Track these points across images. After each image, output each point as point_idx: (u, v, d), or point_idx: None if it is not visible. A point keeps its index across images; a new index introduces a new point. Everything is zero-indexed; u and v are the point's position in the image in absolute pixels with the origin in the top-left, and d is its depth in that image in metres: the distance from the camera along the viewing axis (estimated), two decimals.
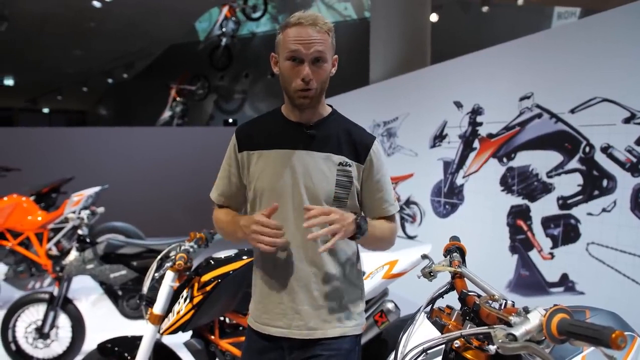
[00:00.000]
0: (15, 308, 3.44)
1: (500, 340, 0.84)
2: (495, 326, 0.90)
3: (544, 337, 0.83)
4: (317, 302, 1.55)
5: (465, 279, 1.22)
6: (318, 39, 1.43)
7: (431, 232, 4.50)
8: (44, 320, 3.37)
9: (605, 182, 2.83)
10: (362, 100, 5.87)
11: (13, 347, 3.46)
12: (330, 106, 1.65)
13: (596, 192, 2.89)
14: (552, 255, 3.17)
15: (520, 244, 3.41)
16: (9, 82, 15.85)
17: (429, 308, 1.21)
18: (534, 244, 3.30)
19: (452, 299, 1.26)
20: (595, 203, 2.89)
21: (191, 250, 2.28)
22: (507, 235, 3.52)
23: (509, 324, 0.89)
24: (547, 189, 3.21)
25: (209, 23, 13.46)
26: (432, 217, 4.46)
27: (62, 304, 3.39)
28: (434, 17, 9.22)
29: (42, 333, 3.38)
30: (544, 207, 3.23)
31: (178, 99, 12.19)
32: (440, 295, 1.23)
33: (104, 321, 4.05)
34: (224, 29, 11.65)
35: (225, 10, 11.46)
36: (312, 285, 1.55)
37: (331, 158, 1.55)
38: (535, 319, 0.84)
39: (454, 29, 10.38)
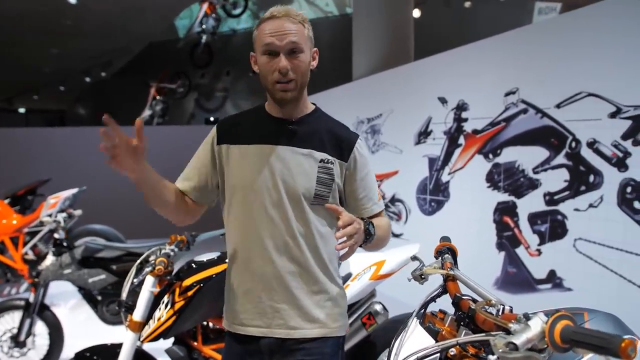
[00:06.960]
0: None
1: (500, 350, 0.78)
2: (494, 334, 0.85)
3: (546, 346, 0.78)
4: (297, 301, 1.50)
5: (458, 281, 1.17)
6: (292, 30, 1.42)
7: (417, 230, 4.46)
8: (20, 328, 3.23)
9: (591, 178, 2.82)
10: (345, 97, 5.81)
11: None
12: (314, 104, 1.61)
13: (583, 188, 2.87)
14: (539, 252, 3.15)
15: (507, 240, 3.39)
16: None
17: (421, 313, 1.16)
18: (521, 241, 3.28)
19: (444, 303, 1.21)
20: (582, 199, 2.88)
21: (172, 253, 2.20)
22: (493, 232, 3.50)
23: (508, 331, 0.83)
24: (533, 185, 3.19)
25: (189, 20, 13.26)
26: (418, 214, 4.43)
27: (39, 310, 3.27)
28: (416, 13, 9.19)
29: (18, 341, 3.24)
30: (530, 203, 3.22)
31: (158, 97, 11.96)
32: (433, 299, 1.18)
33: (84, 327, 3.93)
34: (204, 26, 11.51)
35: (205, 6, 11.30)
36: (292, 283, 1.50)
37: (313, 155, 1.51)
38: (536, 326, 0.79)
39: (437, 24, 10.39)
